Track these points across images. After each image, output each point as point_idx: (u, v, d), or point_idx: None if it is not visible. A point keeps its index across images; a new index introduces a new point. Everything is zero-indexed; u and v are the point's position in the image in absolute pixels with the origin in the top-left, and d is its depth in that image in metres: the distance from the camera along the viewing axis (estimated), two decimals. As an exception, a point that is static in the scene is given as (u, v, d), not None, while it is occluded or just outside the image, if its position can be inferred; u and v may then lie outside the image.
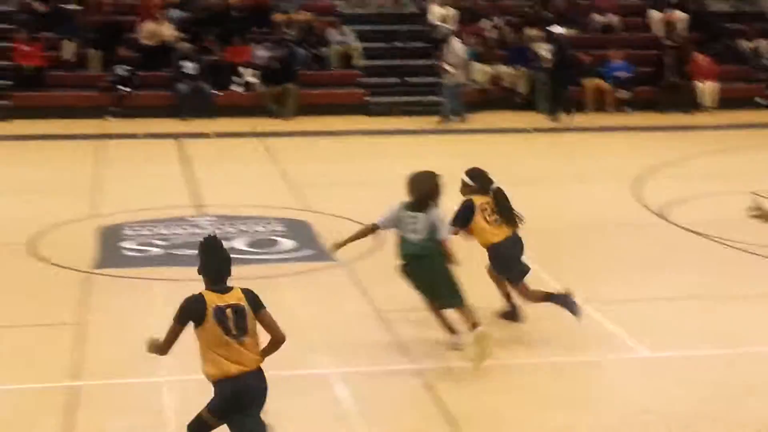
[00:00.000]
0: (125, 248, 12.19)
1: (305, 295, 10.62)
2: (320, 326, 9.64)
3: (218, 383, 6.15)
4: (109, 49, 22.61)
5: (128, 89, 22.17)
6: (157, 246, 12.28)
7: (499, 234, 9.28)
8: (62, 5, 23.57)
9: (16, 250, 12.04)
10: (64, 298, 10.36)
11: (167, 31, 23.26)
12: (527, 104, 23.11)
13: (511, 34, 24.44)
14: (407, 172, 9.01)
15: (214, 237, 6.32)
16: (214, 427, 6.28)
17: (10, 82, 22.12)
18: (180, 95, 22.18)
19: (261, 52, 23.03)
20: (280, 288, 10.54)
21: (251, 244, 12.30)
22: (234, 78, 22.85)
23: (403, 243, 8.91)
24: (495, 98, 23.37)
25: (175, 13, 23.88)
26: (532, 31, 24.09)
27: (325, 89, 23.26)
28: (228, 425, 6.26)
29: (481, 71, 23.47)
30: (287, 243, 12.45)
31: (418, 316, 9.41)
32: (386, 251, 10.50)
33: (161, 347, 6.21)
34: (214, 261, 6.22)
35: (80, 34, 23.00)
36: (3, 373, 8.58)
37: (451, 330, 9.07)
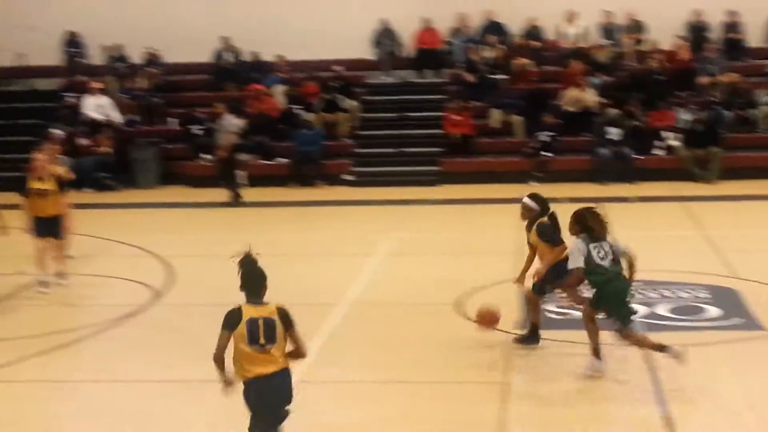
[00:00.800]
0: (547, 311, 12.38)
1: (736, 365, 10.18)
2: (755, 399, 9.23)
3: (244, 384, 6.96)
4: (533, 116, 23.26)
5: (550, 154, 22.66)
6: (577, 309, 12.35)
7: (562, 253, 10.22)
8: (490, 76, 24.59)
9: (443, 310, 12.55)
10: (488, 358, 10.66)
11: (590, 97, 23.54)
12: None
13: None
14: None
15: (250, 255, 6.98)
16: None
17: (440, 149, 23.37)
18: (600, 160, 22.32)
19: (684, 116, 22.68)
20: (710, 357, 10.24)
21: (674, 311, 12.00)
22: (656, 142, 22.67)
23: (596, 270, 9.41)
24: None
25: (598, 79, 24.13)
26: None
27: (752, 152, 22.45)
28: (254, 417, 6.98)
29: None
30: (713, 311, 12.05)
31: None
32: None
33: (215, 354, 6.91)
34: (250, 278, 6.96)
35: (506, 103, 23.86)
36: (427, 428, 8.90)
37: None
